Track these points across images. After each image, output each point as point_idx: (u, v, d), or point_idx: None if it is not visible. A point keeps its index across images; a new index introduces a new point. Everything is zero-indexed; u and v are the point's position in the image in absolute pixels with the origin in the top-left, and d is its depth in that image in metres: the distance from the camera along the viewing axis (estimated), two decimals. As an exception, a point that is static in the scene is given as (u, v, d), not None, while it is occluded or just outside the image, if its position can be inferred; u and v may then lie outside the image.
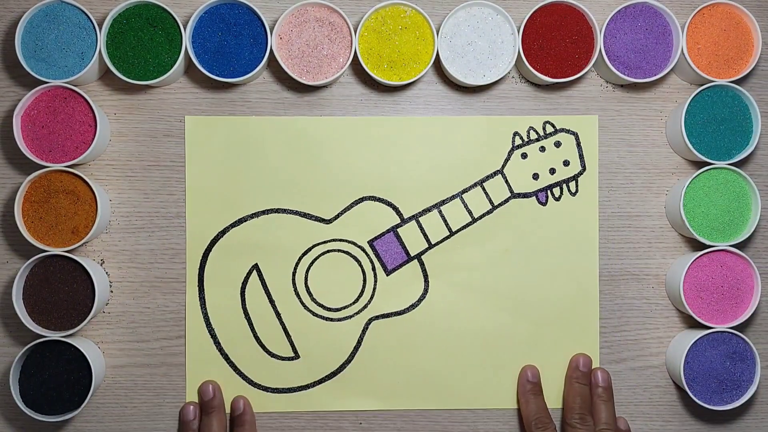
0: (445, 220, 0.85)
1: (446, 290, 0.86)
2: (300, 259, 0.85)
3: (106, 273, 0.85)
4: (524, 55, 0.82)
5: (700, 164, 0.85)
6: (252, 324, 0.85)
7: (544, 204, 0.86)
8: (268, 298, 0.85)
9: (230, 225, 0.85)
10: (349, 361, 0.85)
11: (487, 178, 0.86)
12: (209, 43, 0.82)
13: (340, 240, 0.85)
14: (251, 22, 0.82)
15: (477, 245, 0.86)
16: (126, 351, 0.85)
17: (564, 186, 0.86)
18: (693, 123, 0.83)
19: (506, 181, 0.86)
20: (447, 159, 0.86)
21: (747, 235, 0.83)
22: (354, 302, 0.85)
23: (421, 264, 0.86)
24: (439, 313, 0.85)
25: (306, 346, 0.85)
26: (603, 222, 0.86)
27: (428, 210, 0.86)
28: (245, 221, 0.85)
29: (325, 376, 0.85)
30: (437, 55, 0.82)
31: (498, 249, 0.86)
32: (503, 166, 0.86)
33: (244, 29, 0.82)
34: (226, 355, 0.85)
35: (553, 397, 0.86)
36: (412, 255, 0.85)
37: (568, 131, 0.86)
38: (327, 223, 0.85)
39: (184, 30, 0.81)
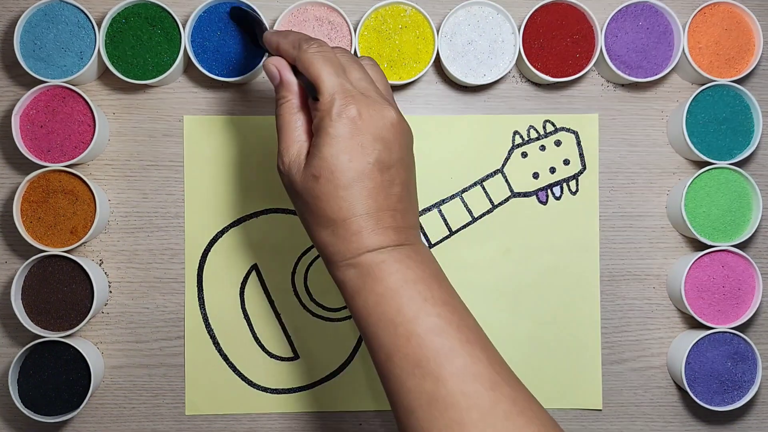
0: (444, 220, 0.85)
1: (446, 290, 0.85)
2: (299, 259, 0.85)
3: (105, 273, 0.85)
4: (525, 54, 0.82)
5: (701, 164, 0.85)
6: (251, 324, 0.85)
7: (544, 203, 0.86)
8: (268, 299, 0.85)
9: (229, 225, 0.85)
10: (349, 361, 0.85)
11: (487, 177, 0.86)
12: (208, 43, 0.82)
13: (340, 240, 0.85)
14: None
15: (477, 245, 0.85)
16: (125, 351, 0.85)
17: (564, 185, 0.86)
18: (694, 122, 0.83)
19: (506, 180, 0.86)
20: (447, 158, 0.86)
21: (748, 235, 0.83)
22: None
23: (421, 264, 0.85)
24: (439, 313, 0.85)
25: (306, 347, 0.85)
26: (604, 222, 0.86)
27: (428, 209, 0.85)
28: (244, 221, 0.85)
29: (325, 377, 0.85)
30: (437, 54, 0.82)
31: (498, 248, 0.86)
32: (503, 165, 0.86)
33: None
34: (226, 355, 0.85)
35: (554, 396, 0.85)
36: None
37: (568, 130, 0.86)
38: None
39: (184, 29, 0.81)
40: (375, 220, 0.60)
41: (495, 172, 0.86)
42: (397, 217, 0.61)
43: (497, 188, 0.86)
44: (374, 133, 0.60)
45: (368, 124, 0.60)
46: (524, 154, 0.86)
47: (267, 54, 0.69)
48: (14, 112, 0.80)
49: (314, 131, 0.61)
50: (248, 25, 0.77)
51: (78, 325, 0.80)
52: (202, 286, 0.85)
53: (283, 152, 0.63)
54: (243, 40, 0.81)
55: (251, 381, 0.85)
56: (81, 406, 0.80)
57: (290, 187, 0.63)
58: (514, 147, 0.86)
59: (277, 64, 0.64)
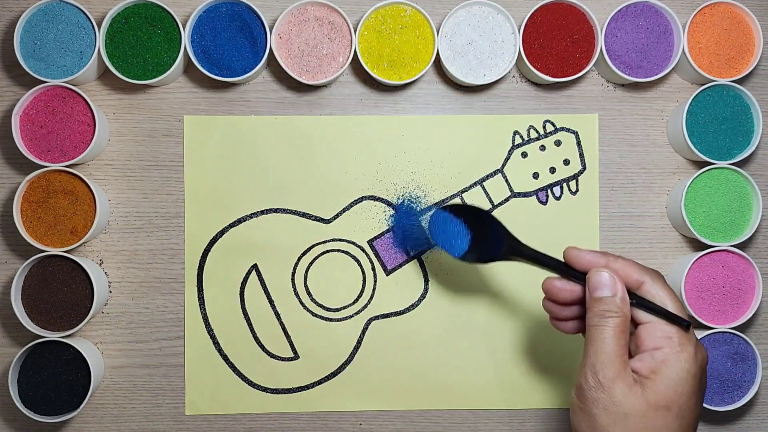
0: (445, 220, 0.85)
1: (446, 290, 0.85)
2: (299, 259, 0.85)
3: (105, 273, 0.85)
4: (525, 54, 0.82)
5: (701, 164, 0.85)
6: (251, 324, 0.85)
7: (544, 203, 0.86)
8: (268, 299, 0.85)
9: (229, 225, 0.85)
10: (349, 362, 0.85)
11: (487, 177, 0.86)
12: (208, 43, 0.82)
13: (340, 240, 0.85)
14: (251, 21, 0.82)
15: (477, 245, 0.85)
16: (125, 351, 0.85)
17: (564, 185, 0.86)
18: (694, 122, 0.83)
19: (506, 181, 0.86)
20: (447, 158, 0.86)
21: (748, 235, 0.83)
22: (354, 302, 0.85)
23: (421, 264, 0.85)
24: (439, 313, 0.85)
25: (305, 347, 0.85)
26: (604, 222, 0.86)
27: (428, 209, 0.85)
28: (244, 221, 0.85)
29: (325, 377, 0.85)
30: (437, 54, 0.82)
31: (498, 249, 0.86)
32: (503, 165, 0.86)
33: (243, 28, 0.82)
34: (226, 355, 0.85)
35: (554, 396, 0.85)
36: (411, 255, 0.85)
37: (568, 130, 0.86)
38: (326, 223, 0.85)
39: (183, 29, 0.81)
40: None
41: (495, 172, 0.86)
42: None
43: (497, 188, 0.86)
44: (706, 379, 0.60)
45: (705, 370, 0.60)
46: (524, 154, 0.86)
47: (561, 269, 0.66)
48: (14, 112, 0.80)
49: (657, 358, 0.58)
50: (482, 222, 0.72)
51: (78, 325, 0.80)
52: (202, 286, 0.85)
53: (602, 365, 0.58)
54: (242, 40, 0.81)
55: (251, 381, 0.85)
56: (81, 406, 0.80)
57: (605, 405, 0.57)
58: (514, 147, 0.86)
59: (613, 279, 0.61)
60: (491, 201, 0.85)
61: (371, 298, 0.85)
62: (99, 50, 0.80)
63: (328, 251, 0.85)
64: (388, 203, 0.85)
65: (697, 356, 0.59)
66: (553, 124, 0.86)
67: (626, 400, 0.57)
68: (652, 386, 0.57)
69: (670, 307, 0.60)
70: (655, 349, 0.59)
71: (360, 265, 0.85)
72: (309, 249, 0.85)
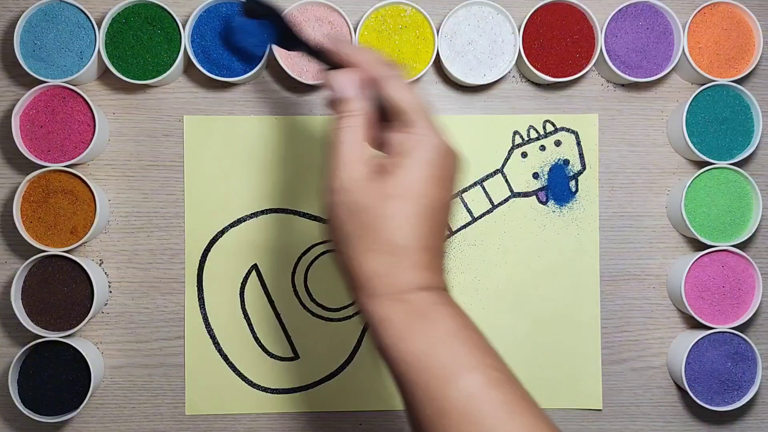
0: (445, 220, 0.85)
1: (446, 290, 0.85)
2: (299, 259, 0.85)
3: (105, 273, 0.85)
4: (525, 54, 0.82)
5: (701, 164, 0.85)
6: (251, 324, 0.85)
7: (544, 203, 0.86)
8: (268, 299, 0.85)
9: (229, 225, 0.85)
10: (349, 362, 0.85)
11: (487, 177, 0.86)
12: (208, 42, 0.82)
13: (340, 240, 0.85)
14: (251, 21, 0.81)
15: (477, 245, 0.85)
16: (125, 352, 0.85)
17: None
18: (694, 122, 0.83)
19: (506, 181, 0.86)
20: (447, 159, 0.86)
21: (748, 235, 0.83)
22: (353, 302, 0.85)
23: (421, 264, 0.85)
24: (439, 313, 0.85)
25: (306, 347, 0.85)
26: (604, 222, 0.86)
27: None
28: (244, 221, 0.85)
29: (325, 377, 0.85)
30: (437, 54, 0.82)
31: (498, 248, 0.86)
32: (503, 165, 0.86)
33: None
34: (226, 355, 0.85)
35: (554, 396, 0.85)
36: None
37: (568, 130, 0.86)
38: (326, 223, 0.85)
39: (183, 29, 0.81)
40: (435, 257, 0.56)
41: (495, 172, 0.86)
42: (444, 258, 0.58)
43: (497, 188, 0.86)
44: (453, 169, 0.58)
45: (452, 160, 0.58)
46: (524, 154, 0.86)
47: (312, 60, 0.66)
48: (14, 112, 0.80)
49: (397, 152, 0.57)
50: (270, 20, 0.70)
51: (78, 325, 0.80)
52: (202, 286, 0.85)
53: (343, 168, 0.57)
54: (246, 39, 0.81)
55: (251, 381, 0.85)
56: (81, 406, 0.80)
57: (346, 205, 0.56)
58: (514, 147, 0.86)
59: (350, 78, 0.59)
60: (491, 201, 0.85)
61: (371, 298, 0.85)
62: (99, 50, 0.80)
63: (328, 251, 0.85)
64: None
65: (434, 148, 0.57)
66: (553, 124, 0.86)
67: (360, 197, 0.55)
68: (388, 180, 0.56)
69: (406, 101, 0.58)
70: (397, 152, 0.57)
71: (360, 265, 0.85)
72: (309, 249, 0.85)
